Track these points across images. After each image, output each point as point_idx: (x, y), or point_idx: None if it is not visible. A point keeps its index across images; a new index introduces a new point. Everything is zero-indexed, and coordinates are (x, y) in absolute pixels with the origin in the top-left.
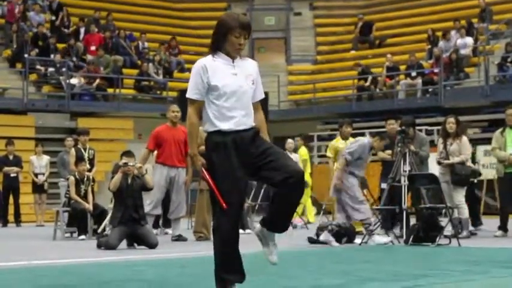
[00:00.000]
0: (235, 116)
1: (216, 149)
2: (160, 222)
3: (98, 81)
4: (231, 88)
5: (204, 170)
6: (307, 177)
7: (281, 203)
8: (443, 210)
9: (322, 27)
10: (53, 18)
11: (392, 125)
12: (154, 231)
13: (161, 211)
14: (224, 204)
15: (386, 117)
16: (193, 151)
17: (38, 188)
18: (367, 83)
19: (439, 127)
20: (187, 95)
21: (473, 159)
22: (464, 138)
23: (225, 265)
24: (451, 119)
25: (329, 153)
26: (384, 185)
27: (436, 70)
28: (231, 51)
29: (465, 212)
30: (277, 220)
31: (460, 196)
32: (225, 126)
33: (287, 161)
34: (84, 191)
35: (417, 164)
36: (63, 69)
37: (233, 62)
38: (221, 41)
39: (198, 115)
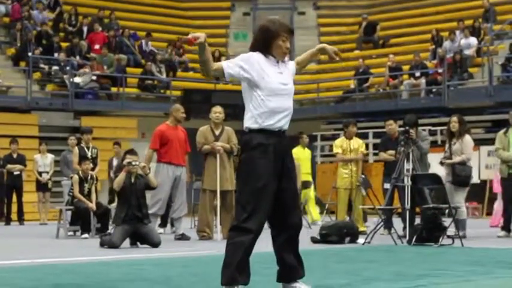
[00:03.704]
0: (280, 114)
1: (257, 148)
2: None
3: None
4: (277, 86)
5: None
6: (307, 177)
7: (286, 248)
8: (447, 211)
9: (326, 27)
10: (57, 15)
11: (392, 126)
12: (161, 229)
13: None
14: (192, 40)
15: (387, 118)
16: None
17: (41, 187)
18: (367, 84)
19: (443, 127)
20: (223, 64)
21: None
22: (467, 137)
23: (241, 266)
24: (454, 118)
25: (336, 150)
26: (386, 185)
27: (440, 70)
28: (277, 55)
29: (463, 214)
30: (293, 265)
31: (458, 197)
32: (269, 122)
33: (296, 209)
34: (88, 190)
35: (417, 158)
36: (67, 68)
37: (278, 62)
38: (267, 47)
39: (212, 72)
